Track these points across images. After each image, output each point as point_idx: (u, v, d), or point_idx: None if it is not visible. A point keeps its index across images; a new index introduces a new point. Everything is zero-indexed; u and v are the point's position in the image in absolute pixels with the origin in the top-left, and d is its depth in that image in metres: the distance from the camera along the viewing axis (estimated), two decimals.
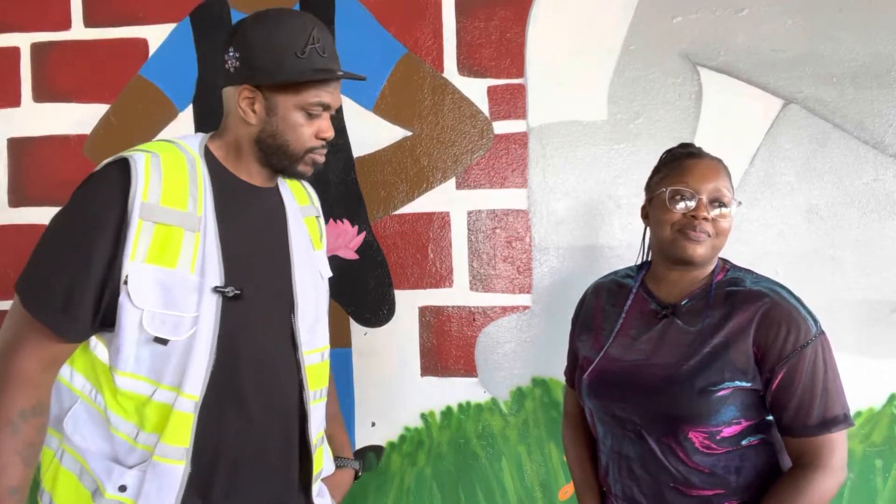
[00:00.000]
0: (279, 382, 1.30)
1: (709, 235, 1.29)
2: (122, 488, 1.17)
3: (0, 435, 1.12)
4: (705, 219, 1.28)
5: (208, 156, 1.29)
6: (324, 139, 1.28)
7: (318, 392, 1.38)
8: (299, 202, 1.44)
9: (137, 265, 1.14)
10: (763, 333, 1.25)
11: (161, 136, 2.00)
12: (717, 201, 1.30)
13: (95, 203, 1.16)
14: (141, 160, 1.18)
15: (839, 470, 1.23)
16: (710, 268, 1.35)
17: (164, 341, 1.16)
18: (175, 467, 1.18)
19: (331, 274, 1.49)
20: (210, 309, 1.19)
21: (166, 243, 1.16)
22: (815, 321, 1.27)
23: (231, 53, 1.24)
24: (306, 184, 1.50)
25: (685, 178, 1.31)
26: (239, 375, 1.24)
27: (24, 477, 1.13)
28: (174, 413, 1.17)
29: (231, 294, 1.20)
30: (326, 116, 1.28)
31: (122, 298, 1.14)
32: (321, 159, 1.31)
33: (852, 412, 1.81)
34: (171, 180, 1.20)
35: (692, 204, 1.29)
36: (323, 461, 1.42)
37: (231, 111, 1.28)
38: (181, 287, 1.17)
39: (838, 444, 1.23)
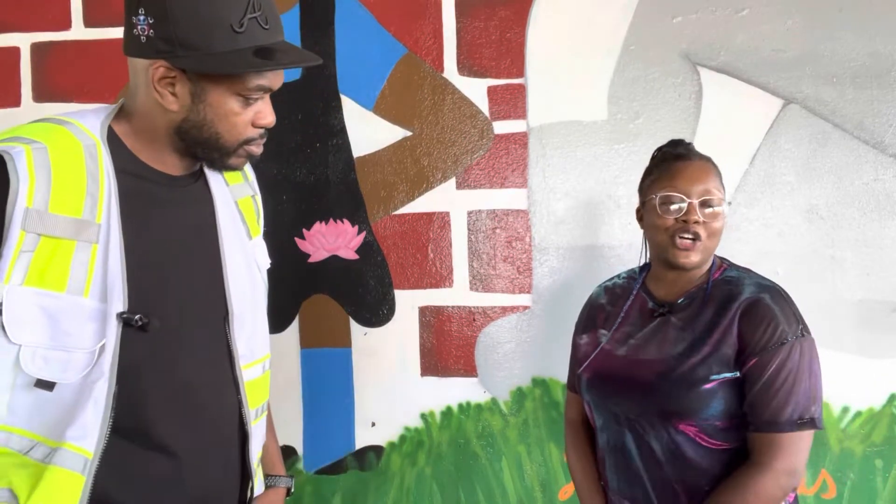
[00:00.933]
0: (213, 413, 1.10)
1: (700, 238, 1.30)
2: None
3: None
4: (696, 222, 1.30)
5: (113, 140, 1.02)
6: (262, 127, 1.05)
7: (259, 409, 1.19)
8: (230, 181, 1.19)
9: (14, 289, 0.91)
10: (745, 323, 1.27)
11: None
12: (708, 202, 1.31)
13: None
14: (21, 157, 0.92)
15: (783, 474, 1.20)
16: (707, 267, 1.37)
17: (49, 385, 0.93)
18: None
19: (269, 263, 1.26)
20: (112, 341, 0.96)
21: (51, 260, 0.93)
22: (801, 324, 1.27)
23: (141, 16, 0.95)
24: None
25: (674, 182, 1.32)
26: (155, 417, 1.03)
27: None
28: (54, 471, 0.94)
29: (139, 323, 0.97)
30: (267, 99, 1.04)
31: None
32: (258, 150, 1.08)
33: (852, 412, 1.83)
34: (64, 178, 0.95)
35: (683, 207, 1.30)
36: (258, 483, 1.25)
37: (141, 89, 1.01)
38: (72, 316, 0.94)
39: (789, 447, 1.21)
